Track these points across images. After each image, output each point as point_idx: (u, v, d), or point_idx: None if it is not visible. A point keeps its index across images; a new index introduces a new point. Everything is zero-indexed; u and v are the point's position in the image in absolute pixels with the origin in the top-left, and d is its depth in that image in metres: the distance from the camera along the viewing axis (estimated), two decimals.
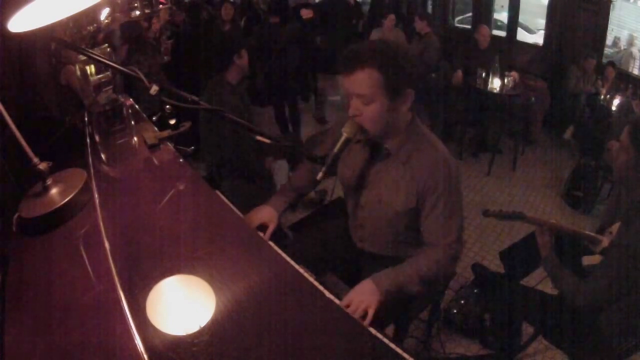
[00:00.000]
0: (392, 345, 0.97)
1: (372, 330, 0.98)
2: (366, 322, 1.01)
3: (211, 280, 0.87)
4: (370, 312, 1.04)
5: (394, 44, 1.23)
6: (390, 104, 1.19)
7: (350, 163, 1.39)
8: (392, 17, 4.81)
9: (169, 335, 0.75)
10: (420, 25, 4.52)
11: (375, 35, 4.95)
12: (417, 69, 1.22)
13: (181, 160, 1.36)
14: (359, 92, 1.17)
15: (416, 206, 1.29)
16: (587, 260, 1.49)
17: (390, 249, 1.45)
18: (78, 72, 2.21)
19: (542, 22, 5.34)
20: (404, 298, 1.26)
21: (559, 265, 1.49)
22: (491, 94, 3.86)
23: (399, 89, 1.18)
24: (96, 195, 1.05)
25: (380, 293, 1.11)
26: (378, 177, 1.34)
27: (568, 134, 4.16)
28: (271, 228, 1.34)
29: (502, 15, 5.96)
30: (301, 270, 1.01)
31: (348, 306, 1.04)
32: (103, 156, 1.35)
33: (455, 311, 2.10)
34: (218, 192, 1.28)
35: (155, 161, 1.37)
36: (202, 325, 0.77)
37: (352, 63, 1.16)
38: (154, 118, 1.59)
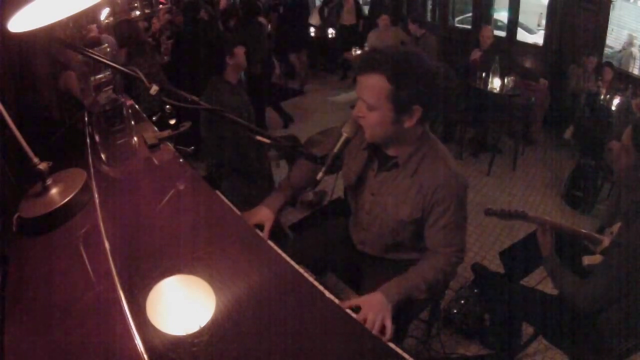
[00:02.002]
0: (392, 345, 0.97)
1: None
2: (387, 337, 1.01)
3: (211, 280, 0.86)
4: (389, 326, 1.03)
5: (419, 57, 1.14)
6: (394, 117, 1.16)
7: (356, 168, 1.38)
8: (384, 17, 4.84)
9: (169, 335, 0.75)
10: (414, 28, 4.53)
11: (372, 36, 4.97)
12: (434, 86, 1.14)
13: (181, 160, 1.35)
14: (364, 97, 1.16)
15: (421, 216, 1.29)
16: (587, 260, 1.49)
17: (390, 253, 1.45)
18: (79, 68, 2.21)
19: (542, 22, 5.34)
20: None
21: (560, 265, 1.49)
22: (491, 94, 3.86)
23: (406, 104, 1.14)
24: (96, 195, 1.05)
25: (391, 305, 1.11)
26: (384, 186, 1.33)
27: (568, 134, 4.16)
28: (268, 227, 1.33)
29: (502, 15, 5.96)
30: (301, 270, 1.01)
31: (364, 321, 1.03)
32: (103, 156, 1.35)
33: (455, 311, 2.10)
34: (218, 192, 1.28)
35: (155, 161, 1.37)
36: (202, 325, 0.77)
37: (365, 65, 1.14)
38: (154, 118, 1.59)
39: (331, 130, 1.55)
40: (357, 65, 1.16)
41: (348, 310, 1.01)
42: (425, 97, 1.14)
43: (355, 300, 1.09)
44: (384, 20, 4.80)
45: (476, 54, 4.24)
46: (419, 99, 1.13)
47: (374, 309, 1.06)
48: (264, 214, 1.37)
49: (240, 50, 2.24)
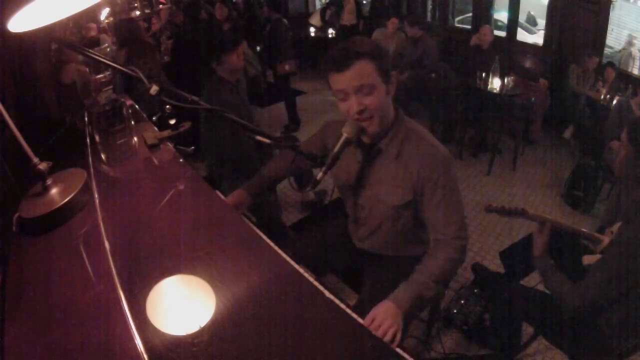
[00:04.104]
0: (392, 345, 0.97)
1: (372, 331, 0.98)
2: (395, 344, 1.00)
3: (211, 280, 0.87)
4: (398, 336, 1.03)
5: (367, 38, 1.31)
6: (386, 89, 1.22)
7: (344, 165, 1.39)
8: (394, 20, 4.81)
9: (169, 335, 0.75)
10: (412, 31, 4.52)
11: (377, 35, 4.96)
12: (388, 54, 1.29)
13: (181, 160, 1.36)
14: (362, 82, 1.17)
15: (413, 198, 1.30)
16: (587, 260, 1.49)
17: (389, 248, 1.45)
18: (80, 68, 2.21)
19: (542, 22, 5.34)
20: None
21: (552, 265, 1.49)
22: (491, 94, 3.86)
23: (388, 72, 1.22)
24: (96, 195, 1.05)
25: (404, 313, 1.10)
26: (373, 176, 1.35)
27: (568, 134, 4.16)
28: (241, 209, 1.42)
29: (502, 15, 5.96)
30: (301, 270, 1.01)
31: (376, 329, 1.02)
32: (103, 156, 1.35)
33: (455, 311, 2.10)
34: (218, 192, 1.28)
35: (155, 161, 1.37)
36: (202, 325, 0.77)
37: (346, 59, 1.17)
38: (154, 118, 1.59)
39: (321, 131, 1.55)
40: (336, 64, 1.18)
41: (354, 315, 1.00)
42: (390, 62, 1.27)
43: (371, 315, 1.07)
44: (393, 23, 4.79)
45: (476, 39, 4.24)
46: (390, 66, 1.25)
47: (384, 317, 1.05)
48: (237, 195, 1.44)
49: (231, 57, 2.18)
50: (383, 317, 1.04)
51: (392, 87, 1.25)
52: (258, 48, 5.05)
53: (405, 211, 1.33)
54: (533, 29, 6.67)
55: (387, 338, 1.00)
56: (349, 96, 1.20)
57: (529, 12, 6.74)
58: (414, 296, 1.15)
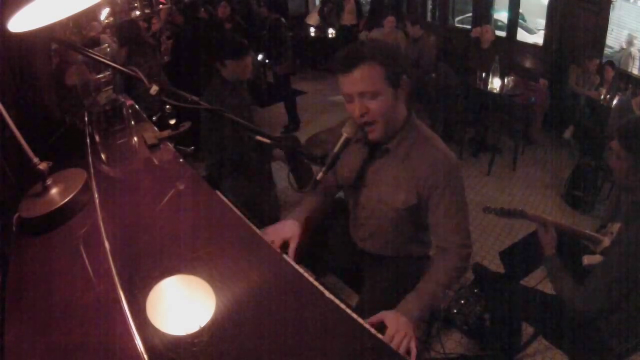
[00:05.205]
0: (410, 358, 0.97)
1: (372, 330, 0.98)
2: (412, 357, 1.01)
3: (211, 280, 0.86)
4: (413, 348, 1.03)
5: (381, 40, 1.26)
6: (394, 94, 1.20)
7: (349, 163, 1.39)
8: (390, 19, 4.83)
9: (169, 335, 0.75)
10: (413, 30, 4.52)
11: (375, 34, 4.97)
12: (405, 57, 1.24)
13: (181, 160, 1.35)
14: (365, 89, 1.17)
15: (417, 203, 1.29)
16: (587, 260, 1.49)
17: (390, 248, 1.45)
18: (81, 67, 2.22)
19: (542, 22, 5.34)
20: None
21: (561, 267, 1.49)
22: (491, 94, 3.86)
23: (398, 77, 1.20)
24: (96, 195, 1.05)
25: (414, 324, 1.10)
26: (377, 176, 1.34)
27: (568, 134, 4.16)
28: (293, 245, 1.24)
29: (502, 15, 5.97)
30: (301, 270, 1.01)
31: (389, 340, 1.02)
32: (103, 156, 1.35)
33: (455, 311, 2.10)
34: (218, 192, 1.28)
35: (155, 161, 1.37)
36: (202, 325, 0.77)
37: (352, 61, 1.16)
38: (154, 118, 1.59)
39: (335, 129, 1.54)
40: (342, 65, 1.17)
41: (368, 326, 0.99)
42: (406, 65, 1.24)
43: (380, 315, 1.08)
44: (389, 22, 4.80)
45: (477, 31, 4.25)
46: (403, 69, 1.22)
47: (400, 332, 1.05)
48: (289, 229, 1.27)
49: (234, 65, 2.17)
50: (396, 328, 1.04)
51: (402, 91, 1.23)
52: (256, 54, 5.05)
53: (406, 213, 1.33)
54: (532, 28, 6.67)
55: (402, 350, 0.99)
56: (354, 99, 1.20)
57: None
58: (423, 307, 1.16)
